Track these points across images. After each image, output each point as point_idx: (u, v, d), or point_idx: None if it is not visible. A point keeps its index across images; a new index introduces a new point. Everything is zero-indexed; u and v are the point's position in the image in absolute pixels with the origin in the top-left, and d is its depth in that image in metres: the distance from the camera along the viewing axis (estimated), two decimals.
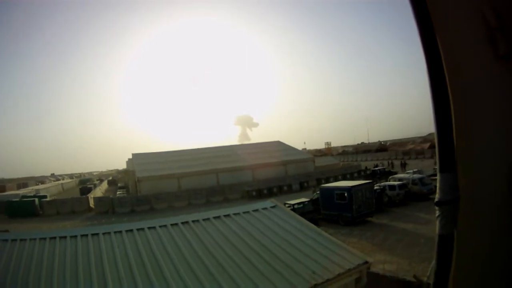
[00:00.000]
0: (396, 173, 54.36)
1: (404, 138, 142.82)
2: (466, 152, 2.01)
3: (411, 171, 49.24)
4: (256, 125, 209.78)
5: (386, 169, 62.32)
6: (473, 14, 1.89)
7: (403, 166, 69.27)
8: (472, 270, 2.05)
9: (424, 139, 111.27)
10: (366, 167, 73.33)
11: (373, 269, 12.58)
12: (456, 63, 2.00)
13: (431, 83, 2.04)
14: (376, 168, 64.37)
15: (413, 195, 35.87)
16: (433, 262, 2.12)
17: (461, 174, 2.01)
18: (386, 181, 41.28)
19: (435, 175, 2.37)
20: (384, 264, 18.35)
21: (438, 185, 2.05)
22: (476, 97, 2.00)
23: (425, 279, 9.38)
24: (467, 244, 2.02)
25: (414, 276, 12.09)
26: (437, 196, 2.05)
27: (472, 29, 1.93)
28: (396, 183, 37.09)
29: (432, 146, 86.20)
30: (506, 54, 1.81)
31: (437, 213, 2.05)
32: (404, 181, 37.45)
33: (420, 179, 37.19)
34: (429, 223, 25.12)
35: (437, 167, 2.11)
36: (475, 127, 2.01)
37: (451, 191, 2.00)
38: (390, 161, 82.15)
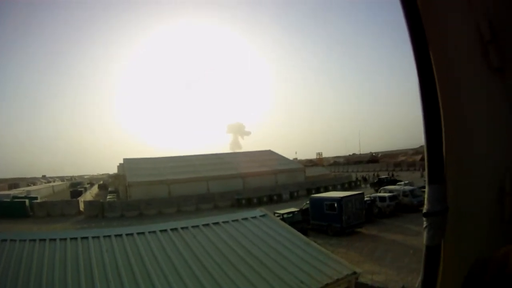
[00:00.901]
0: (401, 181, 55.03)
1: (396, 150, 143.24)
2: (456, 164, 2.03)
3: (402, 183, 49.45)
4: (248, 133, 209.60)
5: (392, 178, 64.01)
6: (468, 26, 1.92)
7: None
8: (459, 283, 2.05)
9: (416, 151, 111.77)
10: (356, 178, 74.56)
11: (362, 279, 12.57)
12: (448, 76, 2.03)
13: (422, 95, 2.05)
14: (383, 177, 66.19)
15: (403, 207, 35.98)
16: (420, 273, 2.13)
17: (449, 185, 2.02)
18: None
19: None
20: (373, 275, 18.33)
21: (426, 196, 2.06)
22: (467, 110, 2.03)
23: None
24: (454, 256, 2.03)
25: (403, 287, 12.10)
26: (425, 207, 2.06)
27: (466, 41, 1.96)
28: (386, 194, 37.19)
29: (423, 159, 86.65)
30: (499, 67, 1.84)
31: (425, 224, 2.06)
32: (395, 193, 37.60)
33: (411, 191, 37.35)
34: (418, 235, 25.06)
35: (425, 178, 2.11)
36: (465, 139, 2.03)
37: (439, 203, 2.01)
38: (375, 173, 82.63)
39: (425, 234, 2.07)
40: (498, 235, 1.93)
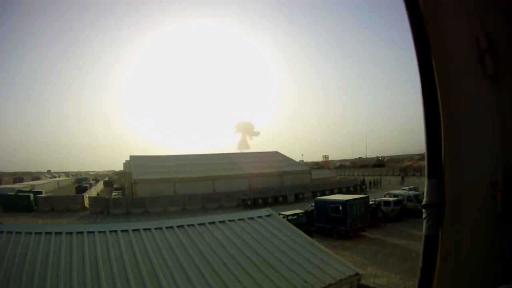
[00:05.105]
0: None
1: (402, 155, 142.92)
2: (453, 161, 2.17)
3: (407, 187, 49.38)
4: (257, 134, 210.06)
5: None
6: (466, 36, 2.08)
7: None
8: (456, 269, 2.20)
9: (422, 156, 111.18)
10: (363, 181, 75.05)
11: (364, 282, 12.65)
12: (447, 80, 2.19)
13: (423, 97, 2.22)
14: None
15: (407, 212, 35.98)
16: (420, 261, 2.27)
17: (447, 180, 2.17)
18: None
19: None
20: (375, 277, 18.42)
21: (425, 189, 2.23)
22: (464, 112, 2.18)
23: None
24: (451, 244, 2.18)
25: None
26: (424, 200, 2.21)
27: (465, 50, 2.11)
28: (391, 199, 37.21)
29: None
30: (494, 74, 1.98)
31: (424, 215, 2.21)
32: (399, 197, 37.59)
33: (416, 196, 37.25)
34: (421, 240, 25.09)
35: (425, 173, 2.27)
36: (462, 139, 2.17)
37: (437, 196, 2.17)
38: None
39: (424, 225, 2.22)
40: (491, 227, 2.08)
